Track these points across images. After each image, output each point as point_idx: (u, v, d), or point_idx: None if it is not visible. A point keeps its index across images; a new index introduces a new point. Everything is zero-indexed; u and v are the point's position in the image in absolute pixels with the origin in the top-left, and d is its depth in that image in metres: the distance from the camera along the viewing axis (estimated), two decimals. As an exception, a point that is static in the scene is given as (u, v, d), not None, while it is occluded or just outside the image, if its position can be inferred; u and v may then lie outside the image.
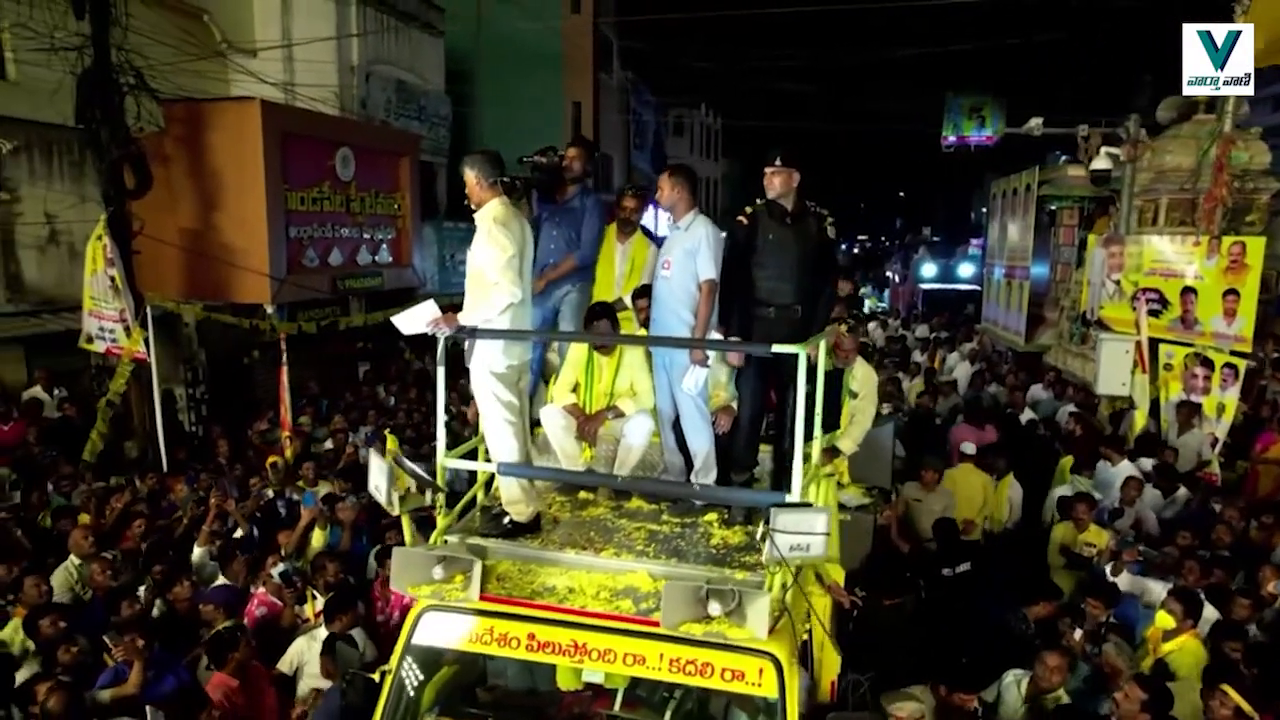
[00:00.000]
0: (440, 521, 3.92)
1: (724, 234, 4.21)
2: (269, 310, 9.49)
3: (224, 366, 10.33)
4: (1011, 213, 15.72)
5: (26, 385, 9.41)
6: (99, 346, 8.42)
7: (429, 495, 3.61)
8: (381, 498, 3.46)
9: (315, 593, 5.13)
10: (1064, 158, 15.06)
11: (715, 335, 4.16)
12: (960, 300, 22.44)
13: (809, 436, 4.01)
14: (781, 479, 4.14)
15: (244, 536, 6.11)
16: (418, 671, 3.81)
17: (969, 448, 7.98)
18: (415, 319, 3.71)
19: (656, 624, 3.21)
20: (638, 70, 30.86)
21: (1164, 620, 4.87)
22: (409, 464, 3.52)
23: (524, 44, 22.27)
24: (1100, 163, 10.36)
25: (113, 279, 8.08)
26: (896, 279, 29.24)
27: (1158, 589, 5.42)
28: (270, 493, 6.70)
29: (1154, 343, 9.53)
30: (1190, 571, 5.40)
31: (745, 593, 3.16)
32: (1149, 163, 11.26)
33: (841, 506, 4.67)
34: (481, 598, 3.52)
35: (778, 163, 4.08)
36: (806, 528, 2.99)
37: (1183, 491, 7.46)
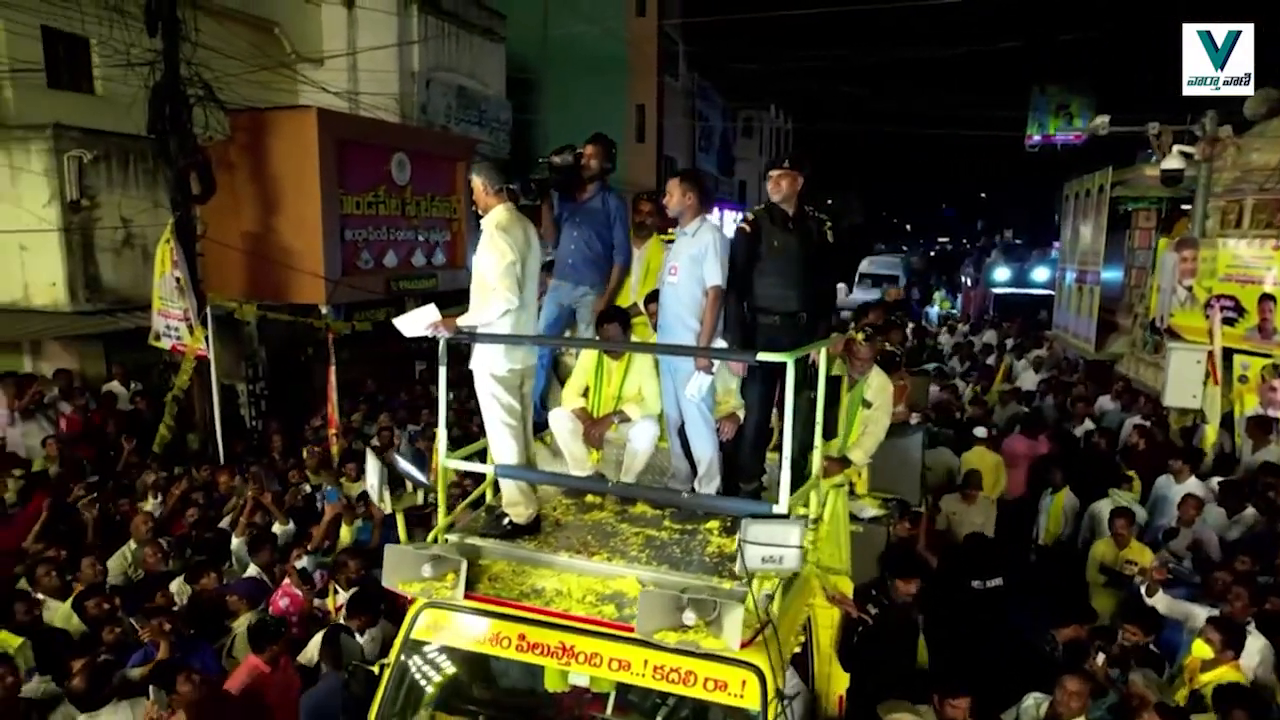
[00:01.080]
0: (441, 520, 4.02)
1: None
2: (324, 310, 9.87)
3: (284, 364, 10.79)
4: (1084, 215, 15.05)
5: (106, 379, 10.05)
6: (166, 344, 8.91)
7: (421, 495, 3.70)
8: (374, 495, 3.56)
9: (338, 587, 5.31)
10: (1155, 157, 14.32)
11: (721, 342, 4.13)
12: (1034, 305, 21.57)
13: (809, 445, 3.97)
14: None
15: (284, 531, 6.34)
16: (419, 667, 3.90)
17: (980, 431, 8.03)
18: (416, 321, 3.82)
19: (634, 630, 3.21)
20: (705, 72, 30.77)
21: (1201, 649, 4.60)
22: (403, 464, 3.62)
23: (588, 48, 22.52)
24: (1172, 162, 9.80)
25: (178, 280, 8.54)
26: (968, 283, 28.31)
27: (1204, 615, 5.12)
28: (308, 487, 6.96)
29: (1228, 353, 8.99)
30: (1238, 598, 5.06)
31: (723, 603, 3.13)
32: (1233, 161, 10.60)
33: (854, 518, 4.57)
34: (470, 597, 3.59)
35: (786, 165, 4.04)
36: (780, 540, 2.94)
37: (1250, 512, 6.99)
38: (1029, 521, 8.21)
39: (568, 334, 5.04)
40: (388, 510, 3.66)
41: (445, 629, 3.76)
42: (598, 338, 4.52)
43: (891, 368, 5.52)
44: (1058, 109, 28.23)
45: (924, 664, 5.40)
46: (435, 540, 3.96)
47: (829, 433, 4.46)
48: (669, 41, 26.88)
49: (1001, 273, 24.09)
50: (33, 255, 9.23)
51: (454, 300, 4.77)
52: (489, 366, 3.94)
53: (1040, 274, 23.55)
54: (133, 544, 6.00)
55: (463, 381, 3.97)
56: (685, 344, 4.09)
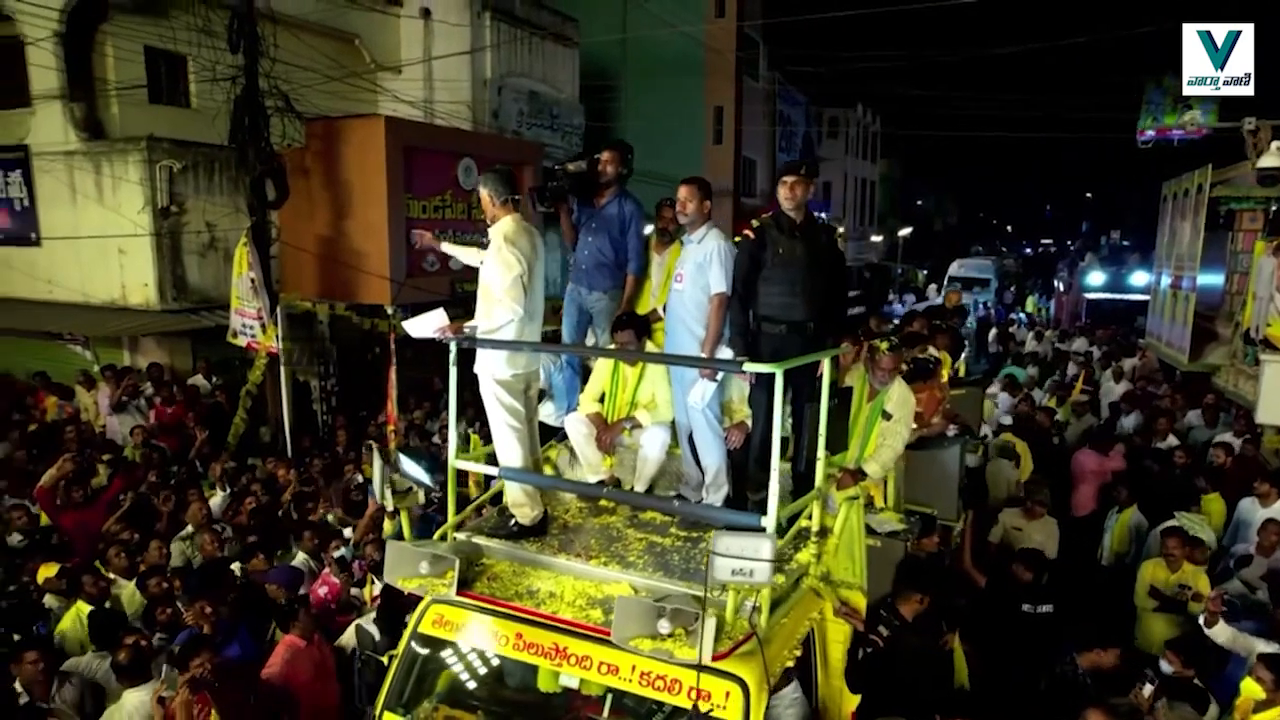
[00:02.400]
0: (450, 518, 4.15)
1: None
2: (389, 310, 10.25)
3: (355, 361, 11.27)
4: (1181, 215, 14.09)
5: (193, 373, 10.76)
6: (242, 341, 9.47)
7: (422, 494, 3.82)
8: (375, 492, 3.71)
9: (375, 578, 5.53)
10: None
11: (727, 350, 4.11)
12: (1130, 312, 20.40)
13: (814, 456, 3.90)
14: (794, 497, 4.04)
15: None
16: (426, 660, 4.03)
17: (1005, 419, 8.13)
18: (425, 325, 3.95)
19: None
20: (787, 72, 30.33)
21: (1252, 689, 4.27)
22: (405, 463, 3.75)
23: (666, 52, 22.58)
24: (1271, 159, 9.07)
25: (253, 281, 9.06)
26: (1061, 287, 26.92)
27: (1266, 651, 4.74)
28: (360, 477, 7.26)
29: (1330, 366, 8.26)
30: (1305, 635, 4.68)
31: (700, 614, 3.12)
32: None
33: (873, 532, 4.44)
34: (466, 595, 3.70)
35: (802, 172, 3.98)
36: (750, 553, 2.91)
37: (1346, 541, 6.42)
38: (1096, 541, 7.81)
39: (589, 335, 5.10)
40: (389, 508, 3.81)
41: (450, 625, 3.87)
42: (613, 344, 4.56)
43: (927, 375, 5.34)
44: (1175, 102, 26.41)
45: (964, 685, 5.23)
46: (444, 538, 4.09)
47: (837, 445, 4.38)
48: (749, 43, 26.64)
49: (1096, 276, 22.80)
50: (129, 258, 9.98)
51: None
52: (492, 371, 4.05)
53: (1139, 278, 22.21)
54: (189, 529, 6.40)
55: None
56: (690, 351, 4.09)
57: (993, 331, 21.91)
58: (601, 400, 4.69)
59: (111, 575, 5.90)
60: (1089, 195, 69.98)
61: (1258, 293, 9.76)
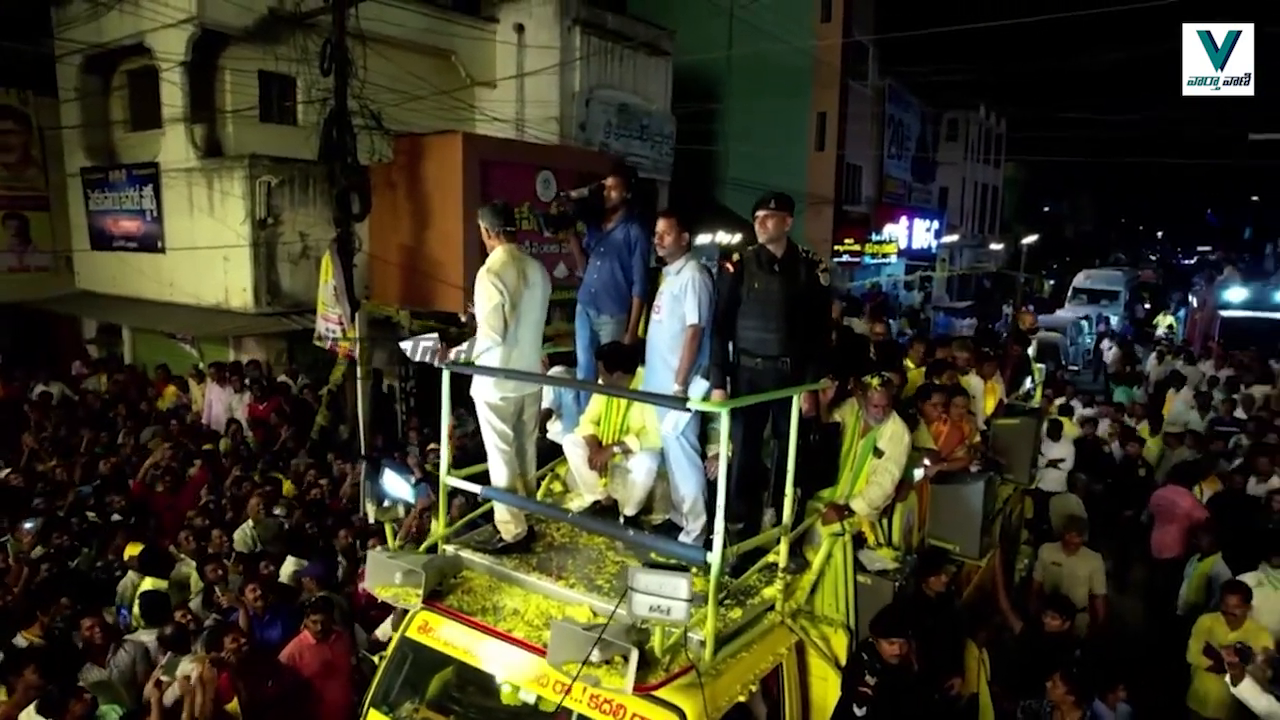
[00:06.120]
0: (440, 529, 4.38)
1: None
2: (463, 318, 10.70)
3: (433, 366, 11.85)
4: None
5: (286, 372, 11.60)
6: (325, 344, 10.15)
7: (401, 509, 4.06)
8: (362, 505, 3.98)
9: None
10: None
11: (701, 381, 4.14)
12: (1274, 332, 18.45)
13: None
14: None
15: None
16: (415, 663, 4.26)
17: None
18: (419, 347, 4.21)
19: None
20: (900, 76, 29.28)
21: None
22: (386, 477, 4.01)
23: (771, 58, 22.34)
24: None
25: (335, 288, 9.70)
26: (1195, 302, 24.60)
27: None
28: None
29: None
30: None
31: (629, 646, 3.19)
32: None
33: (863, 568, 4.35)
34: (434, 607, 3.92)
35: (773, 206, 3.97)
36: (669, 591, 2.97)
37: None
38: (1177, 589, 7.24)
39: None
40: (372, 520, 4.06)
41: (432, 632, 4.10)
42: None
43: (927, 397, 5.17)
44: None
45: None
46: (433, 548, 4.33)
47: (824, 480, 4.33)
48: (858, 47, 25.95)
49: (1235, 292, 20.67)
50: (232, 265, 10.92)
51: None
52: (484, 394, 4.26)
53: (1295, 294, 20.03)
54: (250, 522, 6.97)
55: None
56: (666, 381, 4.14)
57: (1112, 351, 20.38)
58: (599, 423, 4.81)
59: (182, 556, 6.54)
60: (1255, 199, 63.74)
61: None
